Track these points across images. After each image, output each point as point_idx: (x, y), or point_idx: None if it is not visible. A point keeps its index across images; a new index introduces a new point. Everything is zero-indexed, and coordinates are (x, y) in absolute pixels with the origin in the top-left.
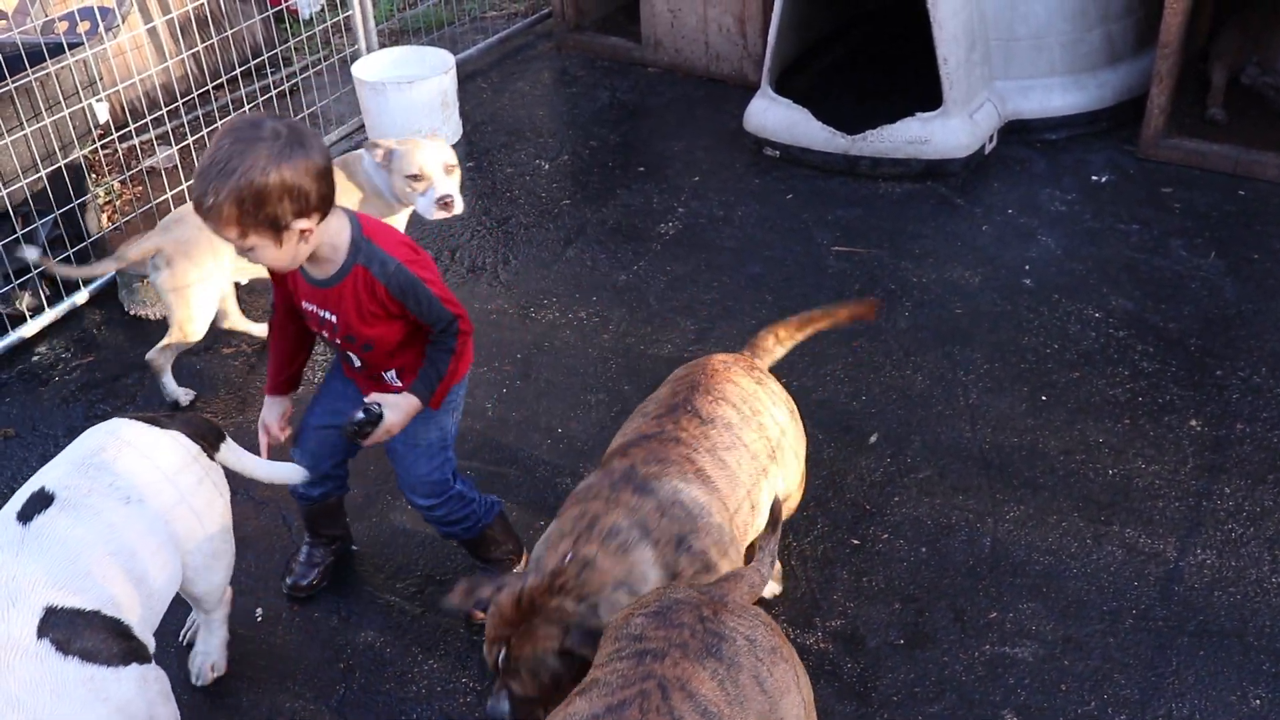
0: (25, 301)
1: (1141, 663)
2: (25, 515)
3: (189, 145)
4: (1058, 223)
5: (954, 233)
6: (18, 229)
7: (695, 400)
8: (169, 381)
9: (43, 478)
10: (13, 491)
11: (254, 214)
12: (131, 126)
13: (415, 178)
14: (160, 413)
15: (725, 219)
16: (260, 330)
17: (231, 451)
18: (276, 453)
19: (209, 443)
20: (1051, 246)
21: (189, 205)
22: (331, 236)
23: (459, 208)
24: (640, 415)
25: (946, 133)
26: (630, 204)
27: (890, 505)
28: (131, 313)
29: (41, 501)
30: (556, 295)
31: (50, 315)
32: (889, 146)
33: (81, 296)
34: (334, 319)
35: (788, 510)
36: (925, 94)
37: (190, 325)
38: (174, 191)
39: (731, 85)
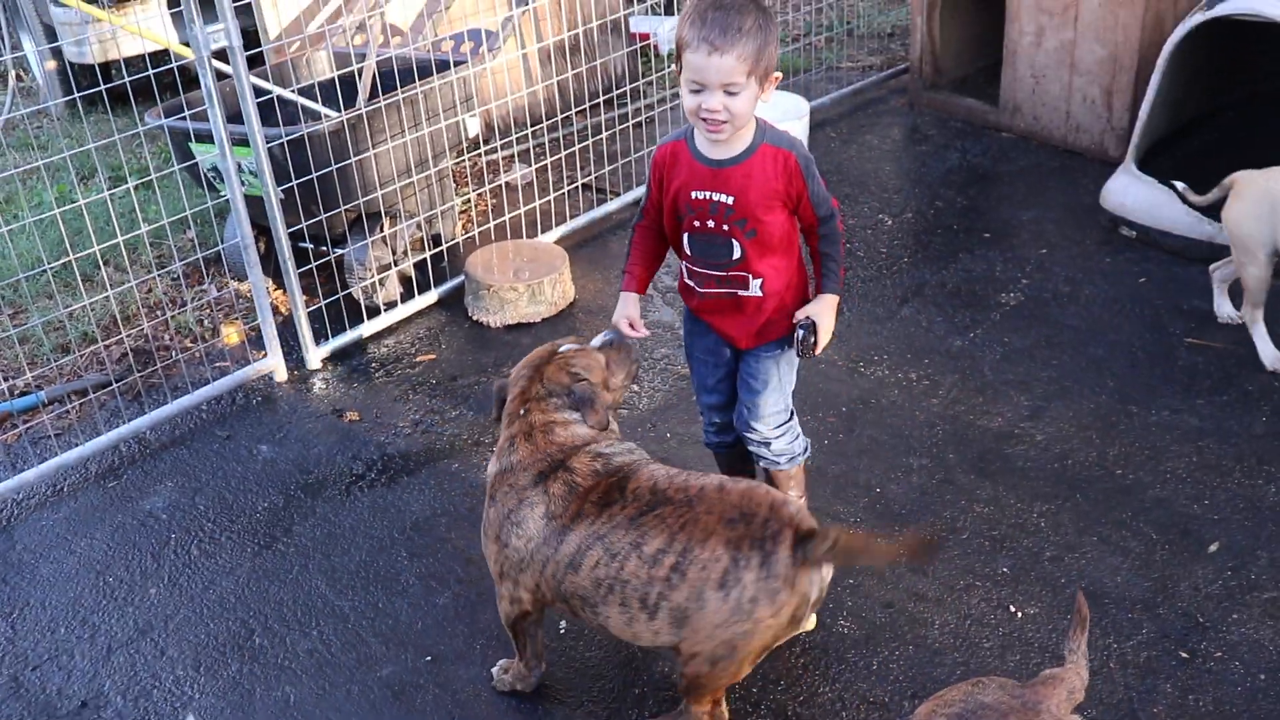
0: (382, 296)
1: None
2: None
3: (546, 165)
4: None
5: None
6: (385, 228)
7: (663, 510)
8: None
9: None
10: (351, 470)
11: (758, 60)
12: (497, 142)
13: None
14: None
15: (1071, 295)
16: None
17: None
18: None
19: None
20: None
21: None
22: (753, 110)
23: None
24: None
25: None
26: (972, 269)
27: (1228, 622)
28: (474, 318)
29: None
30: (887, 353)
31: (402, 311)
32: None
33: (431, 297)
34: (729, 200)
35: (688, 679)
36: None
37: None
38: (526, 207)
39: (1089, 159)
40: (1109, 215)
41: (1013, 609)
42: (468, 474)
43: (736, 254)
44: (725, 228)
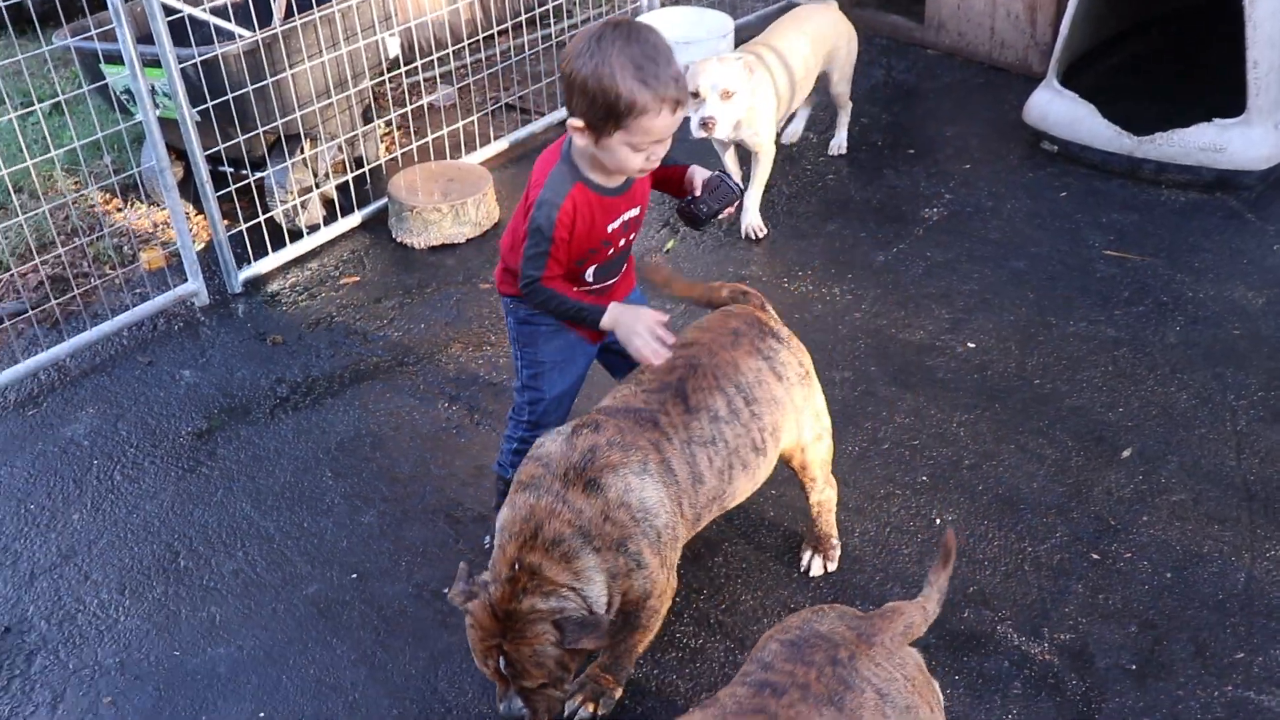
0: (305, 219)
1: None
2: None
3: (468, 85)
4: None
5: (1240, 249)
6: (305, 150)
7: (688, 384)
8: None
9: None
10: (275, 393)
11: None
12: (419, 63)
13: (694, 94)
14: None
15: (993, 210)
16: None
17: None
18: None
19: None
20: None
21: None
22: None
23: (719, 131)
24: (635, 382)
25: (1246, 142)
26: (896, 185)
27: (1137, 524)
28: (398, 240)
29: None
30: (812, 268)
31: (326, 234)
32: (1179, 151)
33: (354, 220)
34: (637, 211)
35: (817, 462)
36: (1224, 100)
37: None
38: (450, 128)
39: (1013, 74)
40: (1031, 130)
41: (932, 516)
42: (392, 395)
43: (630, 251)
44: (632, 236)
